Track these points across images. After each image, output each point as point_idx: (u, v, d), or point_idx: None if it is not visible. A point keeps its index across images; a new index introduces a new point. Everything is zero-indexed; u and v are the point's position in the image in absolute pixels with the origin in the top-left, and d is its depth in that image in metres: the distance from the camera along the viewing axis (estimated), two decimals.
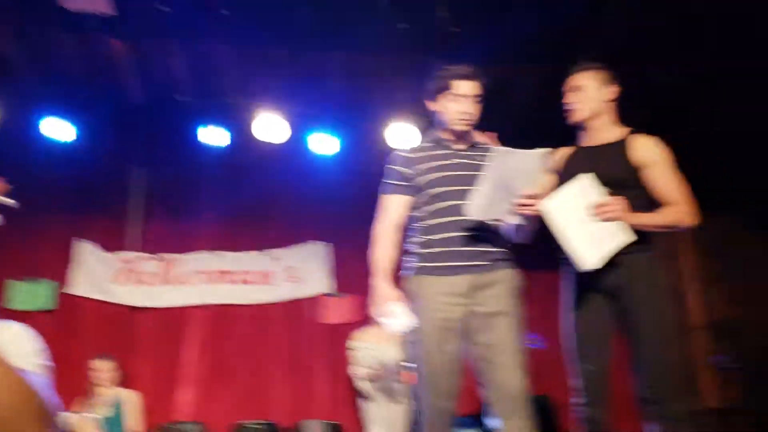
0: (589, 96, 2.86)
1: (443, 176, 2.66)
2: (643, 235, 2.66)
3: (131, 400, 5.01)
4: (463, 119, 2.69)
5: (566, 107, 2.92)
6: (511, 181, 2.46)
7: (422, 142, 2.87)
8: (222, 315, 5.77)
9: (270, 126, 5.50)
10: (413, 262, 2.67)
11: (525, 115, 5.82)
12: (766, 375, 5.12)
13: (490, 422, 2.48)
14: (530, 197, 2.47)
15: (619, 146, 2.81)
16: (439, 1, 4.34)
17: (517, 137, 5.90)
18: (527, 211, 2.48)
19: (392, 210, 2.74)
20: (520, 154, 2.45)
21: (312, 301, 5.92)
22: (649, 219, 2.69)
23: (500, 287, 2.57)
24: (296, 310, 5.89)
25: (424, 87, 2.84)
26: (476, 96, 2.70)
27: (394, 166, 2.78)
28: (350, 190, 6.01)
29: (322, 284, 5.96)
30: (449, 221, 2.60)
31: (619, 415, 2.95)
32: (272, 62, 5.32)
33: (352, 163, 5.99)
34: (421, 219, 2.69)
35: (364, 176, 6.18)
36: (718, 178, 5.37)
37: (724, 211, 5.64)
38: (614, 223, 2.59)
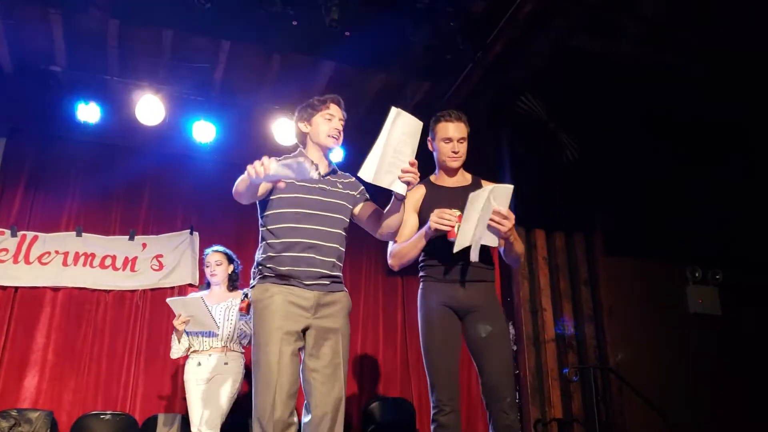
0: (466, 147, 3.28)
1: (305, 198, 2.84)
2: (490, 269, 3.19)
3: None
4: (333, 136, 2.95)
5: (455, 155, 3.24)
6: (399, 146, 2.60)
7: (288, 156, 2.94)
8: (79, 299, 5.50)
9: (148, 108, 5.34)
10: (263, 272, 2.83)
11: None
12: (599, 388, 5.52)
13: (305, 419, 2.75)
14: (412, 165, 2.64)
15: (474, 188, 3.15)
16: (332, 3, 4.40)
17: None
18: (410, 177, 2.64)
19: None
20: (407, 116, 2.59)
21: (176, 292, 5.77)
22: (517, 243, 3.16)
23: (338, 307, 2.84)
24: (159, 299, 5.72)
25: (298, 109, 3.05)
26: (341, 120, 3.01)
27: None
28: (223, 181, 5.94)
29: (188, 275, 5.82)
30: (302, 242, 2.78)
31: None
32: (157, 43, 5.19)
33: (229, 154, 5.93)
34: (274, 232, 2.84)
35: (239, 169, 6.16)
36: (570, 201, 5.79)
37: (573, 232, 6.07)
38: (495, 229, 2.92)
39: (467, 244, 2.91)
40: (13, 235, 5.43)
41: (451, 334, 3.10)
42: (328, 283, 2.82)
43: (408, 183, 2.65)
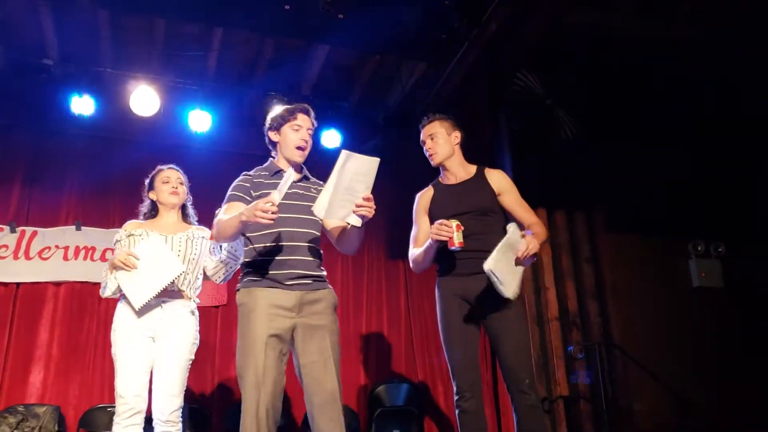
0: (441, 142, 3.43)
1: (280, 203, 2.89)
2: None
3: None
4: (300, 146, 3.08)
5: (429, 152, 3.47)
6: (351, 183, 2.75)
7: (262, 170, 3.14)
8: (81, 293, 5.50)
9: (143, 99, 5.31)
10: (247, 276, 2.96)
11: (402, 107, 5.97)
12: (604, 364, 5.52)
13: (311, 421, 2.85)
14: (367, 199, 2.77)
15: (479, 180, 3.38)
16: None
17: (393, 127, 6.08)
18: (365, 212, 2.77)
19: (229, 211, 2.95)
20: (359, 158, 2.75)
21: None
22: (540, 240, 3.21)
23: (323, 304, 2.94)
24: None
25: (270, 119, 3.18)
26: (309, 129, 3.13)
27: (239, 182, 3.08)
28: (221, 169, 5.90)
29: None
30: (282, 245, 2.92)
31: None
32: (148, 32, 5.15)
33: (225, 142, 5.91)
34: (255, 239, 2.97)
35: (236, 157, 6.13)
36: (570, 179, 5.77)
37: (574, 209, 6.05)
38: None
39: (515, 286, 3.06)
40: (12, 231, 5.41)
41: (467, 325, 3.23)
42: (310, 282, 2.93)
43: (363, 216, 2.79)
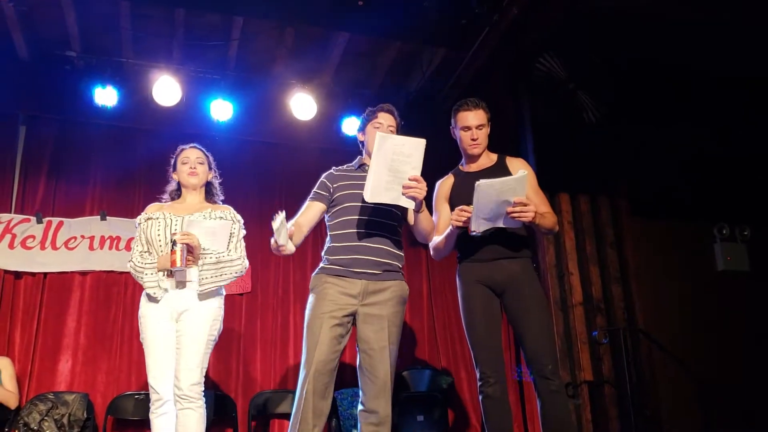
0: (486, 132, 3.37)
1: (353, 193, 3.12)
2: (524, 245, 3.26)
3: (5, 368, 4.75)
4: None
5: (474, 142, 3.32)
6: (397, 165, 2.79)
7: (349, 165, 3.34)
8: (107, 282, 5.55)
9: (165, 89, 5.34)
10: (322, 264, 3.11)
11: (422, 94, 5.94)
12: (629, 349, 5.49)
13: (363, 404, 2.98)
14: (415, 180, 2.83)
15: (500, 168, 3.33)
16: None
17: (413, 114, 6.07)
18: (414, 192, 2.84)
19: (304, 211, 3.19)
20: (396, 138, 2.81)
21: None
22: (543, 221, 3.14)
23: (387, 294, 3.03)
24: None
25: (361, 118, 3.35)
26: (391, 126, 3.22)
27: (321, 180, 3.27)
28: (243, 158, 5.94)
29: None
30: (352, 232, 3.06)
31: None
32: (169, 23, 5.16)
33: (247, 131, 5.93)
34: (332, 228, 3.15)
35: (258, 145, 6.16)
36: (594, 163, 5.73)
37: (597, 194, 6.00)
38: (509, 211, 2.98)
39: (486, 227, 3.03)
40: (39, 221, 5.48)
41: (489, 310, 3.23)
42: (379, 272, 3.02)
43: (413, 198, 2.86)
